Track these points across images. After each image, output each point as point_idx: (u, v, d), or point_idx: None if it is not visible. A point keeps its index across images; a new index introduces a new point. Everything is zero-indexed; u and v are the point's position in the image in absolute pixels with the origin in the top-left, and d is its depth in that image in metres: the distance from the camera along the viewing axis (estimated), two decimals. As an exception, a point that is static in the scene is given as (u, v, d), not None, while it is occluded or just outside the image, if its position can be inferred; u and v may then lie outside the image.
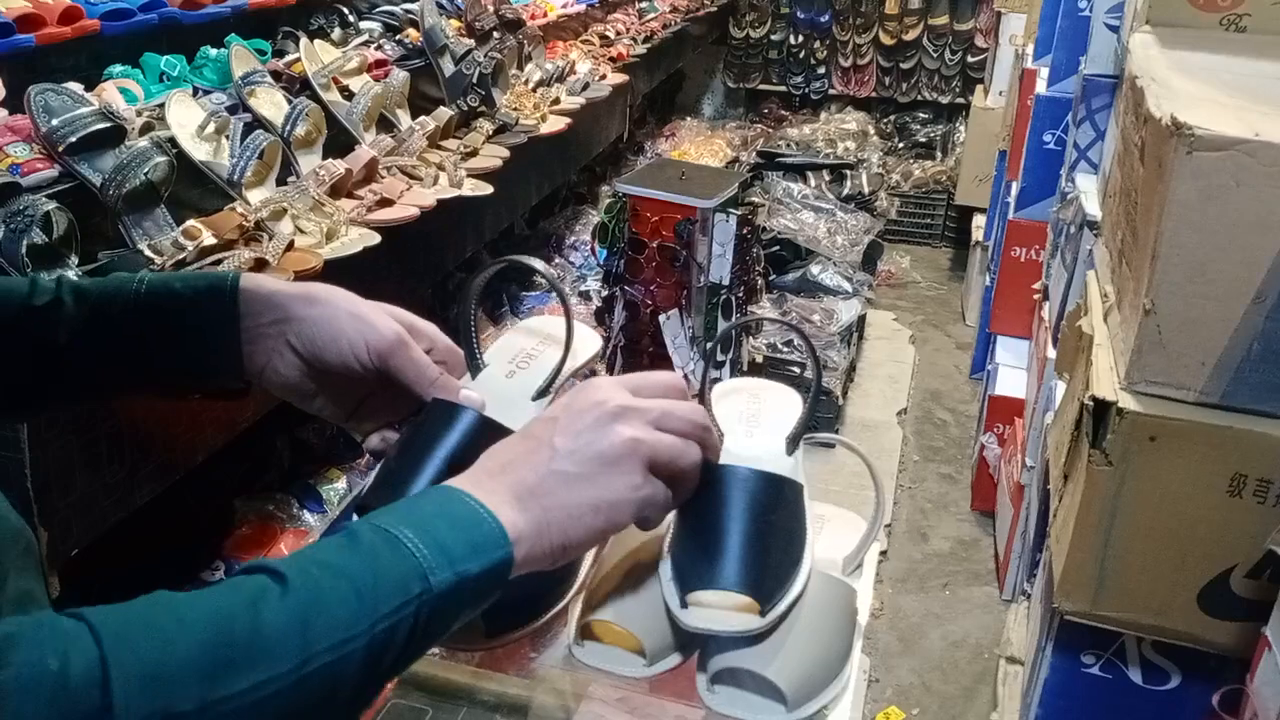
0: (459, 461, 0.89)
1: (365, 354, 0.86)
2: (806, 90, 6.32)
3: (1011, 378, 3.26)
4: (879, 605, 2.89)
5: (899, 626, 2.83)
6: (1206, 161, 1.31)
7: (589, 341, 1.08)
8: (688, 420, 0.77)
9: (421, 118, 2.49)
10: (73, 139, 1.59)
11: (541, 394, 0.99)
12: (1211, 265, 1.35)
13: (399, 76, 2.47)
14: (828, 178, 4.62)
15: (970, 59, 5.87)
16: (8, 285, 0.85)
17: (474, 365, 1.01)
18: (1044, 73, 3.26)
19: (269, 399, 1.82)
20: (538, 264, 1.04)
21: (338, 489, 2.42)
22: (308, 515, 2.31)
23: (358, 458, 2.55)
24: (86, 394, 0.99)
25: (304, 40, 2.34)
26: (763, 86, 6.46)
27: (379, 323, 0.87)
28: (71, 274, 1.41)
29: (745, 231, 2.82)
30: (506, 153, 2.60)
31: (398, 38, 2.77)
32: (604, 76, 3.60)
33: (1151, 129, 1.46)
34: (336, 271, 1.80)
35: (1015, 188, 3.44)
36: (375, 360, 0.86)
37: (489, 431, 0.90)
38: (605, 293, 2.78)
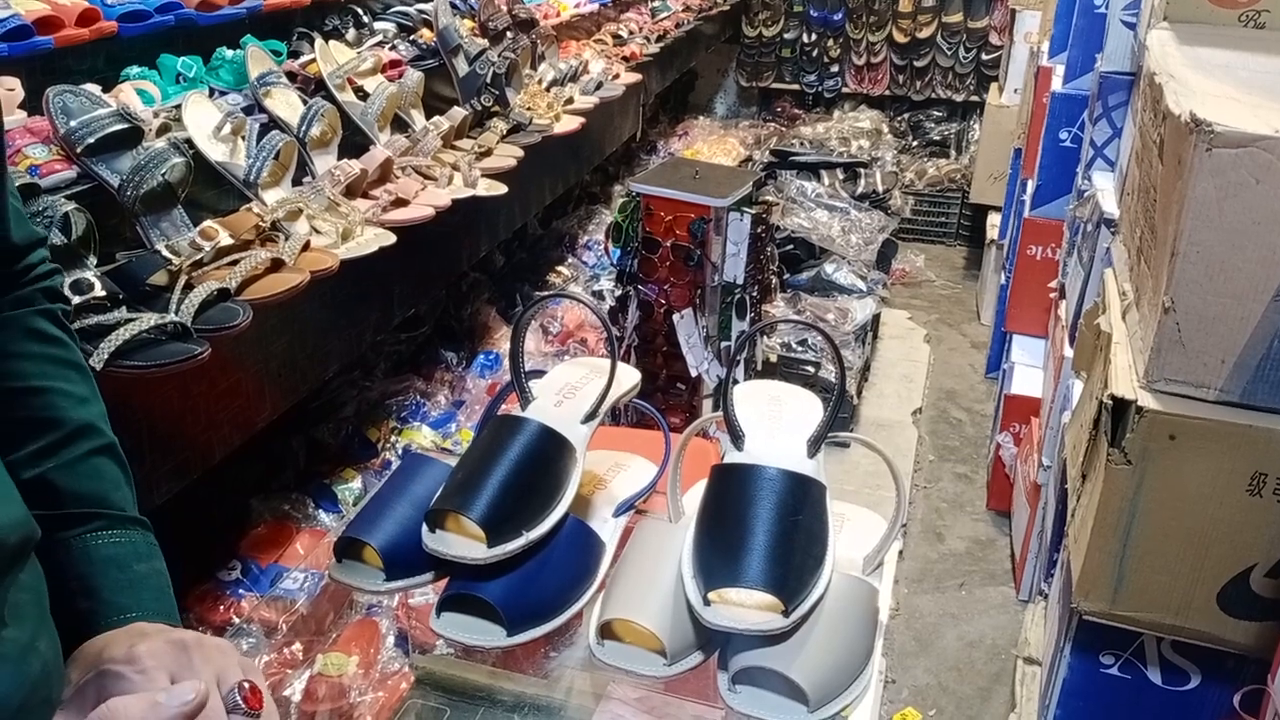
0: (524, 466, 0.99)
1: None
2: (820, 88, 6.31)
3: (1027, 377, 3.24)
4: (895, 605, 2.88)
5: (915, 627, 2.82)
6: (1226, 158, 1.30)
7: (628, 374, 1.17)
8: None
9: (436, 118, 2.49)
10: (91, 140, 1.59)
11: (590, 417, 1.07)
12: (1231, 262, 1.34)
13: (413, 77, 2.47)
14: (841, 176, 4.61)
15: (985, 56, 5.85)
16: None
17: (524, 398, 1.09)
18: (1059, 70, 3.24)
19: (283, 400, 1.84)
20: (584, 297, 1.13)
21: (353, 489, 2.42)
22: (323, 515, 2.32)
23: (373, 458, 2.56)
24: None
25: (319, 41, 2.34)
26: (776, 85, 6.44)
27: None
28: (91, 274, 1.42)
29: (759, 230, 2.82)
30: (520, 152, 2.60)
31: (412, 38, 2.78)
32: (617, 76, 3.59)
33: (1170, 126, 1.45)
34: (352, 271, 1.80)
35: (1031, 185, 3.42)
36: None
37: (550, 440, 1.02)
38: (619, 292, 2.78)
